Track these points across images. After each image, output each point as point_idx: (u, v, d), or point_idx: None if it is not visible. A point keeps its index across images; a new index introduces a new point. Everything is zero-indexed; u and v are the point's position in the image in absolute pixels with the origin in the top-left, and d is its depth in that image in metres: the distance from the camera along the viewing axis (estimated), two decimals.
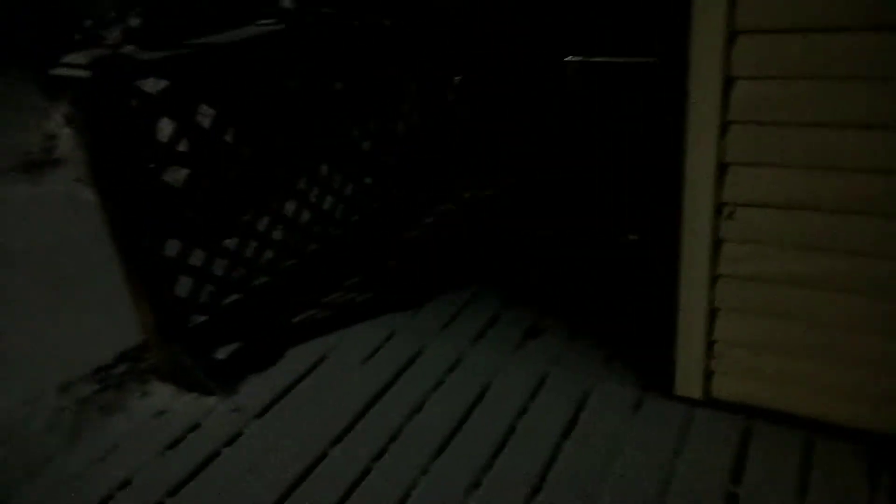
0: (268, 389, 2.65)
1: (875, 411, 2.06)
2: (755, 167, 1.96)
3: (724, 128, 1.93)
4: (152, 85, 2.55)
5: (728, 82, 1.88)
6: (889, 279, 1.90)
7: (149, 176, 2.51)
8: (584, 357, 2.66)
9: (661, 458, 2.14)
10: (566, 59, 3.26)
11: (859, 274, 1.93)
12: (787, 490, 1.99)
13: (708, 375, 2.29)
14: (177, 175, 2.71)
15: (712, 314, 2.19)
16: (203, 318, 2.80)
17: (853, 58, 1.74)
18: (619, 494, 2.04)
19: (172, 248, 2.63)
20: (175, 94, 2.57)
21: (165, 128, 2.58)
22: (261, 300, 3.05)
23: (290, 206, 3.17)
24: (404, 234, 3.76)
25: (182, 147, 2.63)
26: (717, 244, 2.08)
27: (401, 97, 3.68)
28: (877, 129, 1.77)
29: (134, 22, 4.85)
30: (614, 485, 2.07)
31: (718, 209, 2.03)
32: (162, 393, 2.69)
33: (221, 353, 2.83)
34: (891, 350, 1.97)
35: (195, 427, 2.50)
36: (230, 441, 2.42)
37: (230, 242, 2.88)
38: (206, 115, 2.70)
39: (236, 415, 2.53)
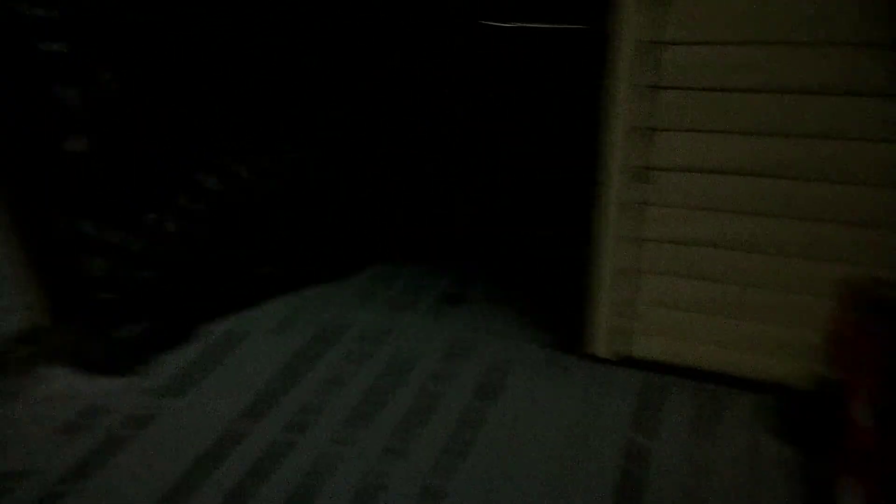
0: (177, 367, 2.55)
1: (771, 362, 2.18)
2: (676, 132, 1.99)
3: (647, 93, 1.96)
4: (49, 46, 2.40)
5: (653, 47, 1.90)
6: (794, 239, 2.00)
7: (45, 145, 2.36)
8: (502, 323, 2.71)
9: (570, 415, 2.21)
10: (484, 22, 3.23)
11: (768, 234, 2.02)
12: (687, 435, 2.10)
13: (618, 334, 2.36)
14: (78, 144, 2.57)
15: (622, 274, 2.25)
16: (107, 296, 2.67)
17: (782, 24, 1.76)
18: (533, 450, 2.08)
19: (74, 222, 2.49)
20: (74, 56, 2.43)
21: (64, 92, 2.44)
22: (171, 276, 2.93)
23: (204, 178, 3.06)
24: (318, 209, 3.69)
25: (83, 114, 2.49)
26: (630, 206, 2.13)
27: None
28: (795, 94, 1.82)
29: None
30: (526, 442, 2.12)
31: (637, 173, 2.08)
32: (62, 376, 2.54)
33: (128, 332, 2.70)
34: (790, 304, 2.08)
35: (98, 410, 2.37)
36: (137, 421, 2.31)
37: (139, 216, 2.76)
38: (110, 79, 2.57)
39: (143, 394, 2.42)
